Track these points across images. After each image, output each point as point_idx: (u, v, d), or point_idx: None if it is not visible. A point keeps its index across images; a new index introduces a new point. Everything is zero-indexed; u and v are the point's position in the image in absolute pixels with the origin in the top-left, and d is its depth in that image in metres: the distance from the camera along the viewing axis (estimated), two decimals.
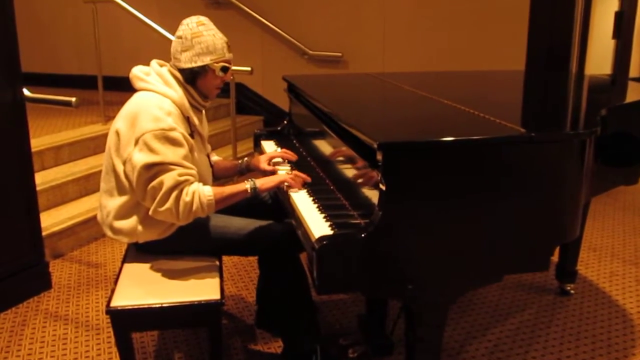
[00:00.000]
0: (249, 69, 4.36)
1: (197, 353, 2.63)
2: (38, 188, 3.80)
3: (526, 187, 1.82)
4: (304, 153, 2.77)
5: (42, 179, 3.96)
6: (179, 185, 2.07)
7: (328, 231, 1.85)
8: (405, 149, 1.73)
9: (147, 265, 2.29)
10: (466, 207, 1.76)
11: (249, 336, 2.79)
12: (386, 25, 5.42)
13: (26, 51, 6.86)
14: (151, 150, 2.07)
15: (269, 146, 2.95)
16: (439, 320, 1.87)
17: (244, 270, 3.43)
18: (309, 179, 2.29)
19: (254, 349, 2.69)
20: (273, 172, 2.47)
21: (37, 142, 4.24)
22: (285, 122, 3.15)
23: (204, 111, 2.48)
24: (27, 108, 3.08)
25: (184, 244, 2.33)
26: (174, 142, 2.10)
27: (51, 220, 3.68)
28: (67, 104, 2.95)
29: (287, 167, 2.57)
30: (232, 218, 2.38)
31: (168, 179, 2.06)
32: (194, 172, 2.14)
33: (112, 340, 2.70)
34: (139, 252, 2.37)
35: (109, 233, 2.31)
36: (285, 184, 2.25)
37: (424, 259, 1.76)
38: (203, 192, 2.11)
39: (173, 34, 2.31)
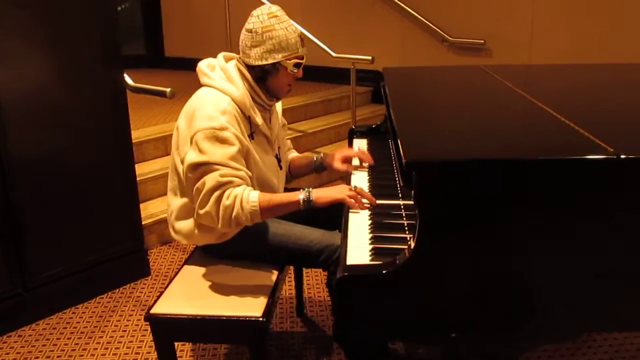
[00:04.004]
0: (369, 57, 4.10)
1: None
2: (158, 173, 3.91)
3: (609, 224, 1.42)
4: (394, 156, 2.50)
5: (164, 164, 4.06)
6: (220, 187, 1.92)
7: (364, 258, 1.60)
8: (438, 169, 1.41)
9: (203, 270, 2.19)
10: (521, 244, 1.41)
11: (324, 348, 2.60)
12: (535, 10, 4.84)
13: (172, 36, 7.18)
14: (199, 150, 1.96)
15: (361, 145, 2.71)
16: None
17: None
18: (373, 201, 1.96)
19: None
20: (347, 172, 2.36)
21: (168, 127, 4.37)
22: (383, 119, 2.88)
23: (276, 108, 2.31)
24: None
25: (243, 250, 2.20)
26: (223, 142, 1.95)
27: (164, 207, 3.74)
28: (162, 94, 2.92)
29: (364, 171, 2.35)
30: (295, 226, 2.20)
31: (210, 179, 1.93)
32: (241, 173, 1.97)
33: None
34: (202, 253, 2.29)
35: (172, 233, 2.24)
36: (346, 201, 1.96)
37: (465, 305, 1.44)
38: (246, 198, 1.92)
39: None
